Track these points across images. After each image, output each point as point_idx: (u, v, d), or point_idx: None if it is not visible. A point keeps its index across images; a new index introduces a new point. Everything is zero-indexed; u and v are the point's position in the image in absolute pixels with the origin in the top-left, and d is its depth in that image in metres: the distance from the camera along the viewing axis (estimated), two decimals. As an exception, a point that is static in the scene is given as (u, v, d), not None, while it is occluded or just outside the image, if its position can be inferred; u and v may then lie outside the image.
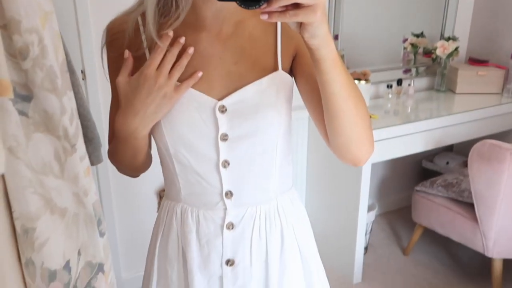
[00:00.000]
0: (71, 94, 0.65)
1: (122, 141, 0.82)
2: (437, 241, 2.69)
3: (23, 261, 0.63)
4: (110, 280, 0.72)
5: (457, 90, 2.72)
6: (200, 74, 0.80)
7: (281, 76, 0.83)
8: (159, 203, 2.26)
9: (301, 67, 0.84)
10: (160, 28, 0.79)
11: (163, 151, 0.87)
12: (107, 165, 1.94)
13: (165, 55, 0.76)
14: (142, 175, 0.96)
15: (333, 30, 2.42)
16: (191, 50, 0.78)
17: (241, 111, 0.81)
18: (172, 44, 0.77)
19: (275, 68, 0.83)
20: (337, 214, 2.37)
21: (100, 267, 0.69)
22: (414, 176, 3.08)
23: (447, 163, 2.88)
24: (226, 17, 0.81)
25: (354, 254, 2.30)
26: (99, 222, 0.69)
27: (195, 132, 0.82)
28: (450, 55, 2.66)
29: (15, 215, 0.60)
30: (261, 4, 0.59)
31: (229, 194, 0.85)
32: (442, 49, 2.64)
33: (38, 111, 0.60)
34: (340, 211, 2.35)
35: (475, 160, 2.02)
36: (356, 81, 2.25)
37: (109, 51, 0.86)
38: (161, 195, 2.22)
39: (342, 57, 2.44)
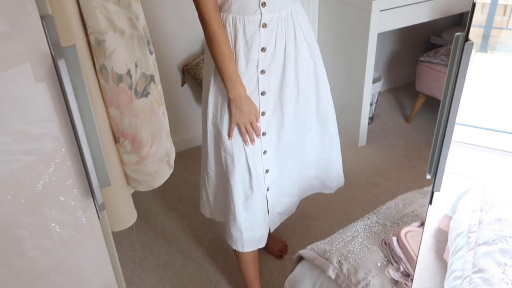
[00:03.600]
0: None
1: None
2: (438, 109, 2.89)
3: (97, 67, 0.85)
4: (159, 89, 0.95)
5: (469, -40, 2.69)
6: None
7: None
8: (182, 78, 2.47)
9: None
10: None
11: None
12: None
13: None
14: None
15: None
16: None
17: None
18: None
19: None
20: (344, 84, 2.56)
21: (152, 78, 0.92)
22: (422, 52, 3.18)
23: (454, 36, 2.97)
24: None
25: (360, 120, 2.53)
26: (148, 42, 0.90)
27: None
28: None
29: (89, 30, 0.81)
30: None
31: (264, 3, 1.25)
32: None
33: None
34: (347, 81, 2.53)
35: (476, 24, 2.12)
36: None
37: None
38: (184, 69, 2.42)
39: None
